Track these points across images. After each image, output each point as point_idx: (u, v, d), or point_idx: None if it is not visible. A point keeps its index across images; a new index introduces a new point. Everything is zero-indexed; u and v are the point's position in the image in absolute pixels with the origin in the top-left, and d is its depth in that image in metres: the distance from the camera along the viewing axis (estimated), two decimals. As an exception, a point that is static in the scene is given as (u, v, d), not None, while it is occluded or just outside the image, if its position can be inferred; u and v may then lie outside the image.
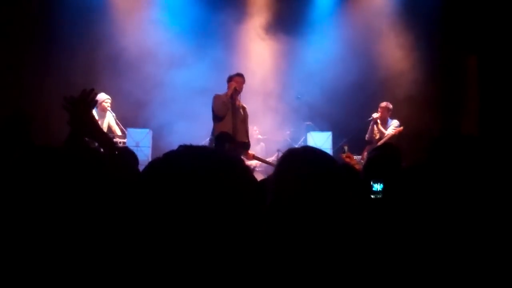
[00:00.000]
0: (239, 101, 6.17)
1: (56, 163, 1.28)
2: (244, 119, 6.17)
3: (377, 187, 1.97)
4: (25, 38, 7.63)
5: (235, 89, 6.02)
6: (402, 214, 1.99)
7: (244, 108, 6.23)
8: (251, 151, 6.58)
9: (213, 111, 6.07)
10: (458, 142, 2.13)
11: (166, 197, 1.01)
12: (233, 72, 6.33)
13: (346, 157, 4.61)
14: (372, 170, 2.22)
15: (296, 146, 7.93)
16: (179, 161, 1.07)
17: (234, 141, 5.77)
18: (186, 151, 1.10)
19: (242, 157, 5.91)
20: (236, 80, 6.06)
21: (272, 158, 7.77)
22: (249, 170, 1.15)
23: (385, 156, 2.91)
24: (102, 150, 2.09)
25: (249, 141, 6.19)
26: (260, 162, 7.76)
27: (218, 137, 5.85)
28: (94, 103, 2.05)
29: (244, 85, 6.16)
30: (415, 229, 1.88)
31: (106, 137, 2.07)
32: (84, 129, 1.96)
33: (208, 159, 1.08)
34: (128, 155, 3.38)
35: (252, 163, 7.57)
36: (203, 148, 1.13)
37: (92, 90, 2.02)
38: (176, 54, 8.11)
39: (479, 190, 1.96)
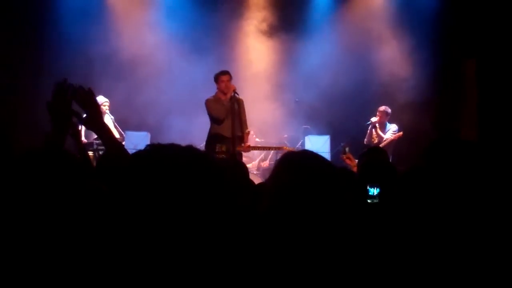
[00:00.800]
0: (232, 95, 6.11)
1: (40, 166, 1.29)
2: (239, 113, 6.11)
3: (374, 191, 1.97)
4: (23, 40, 7.63)
5: (234, 92, 6.00)
6: (399, 218, 1.98)
7: (238, 101, 6.13)
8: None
9: (210, 115, 6.06)
10: (454, 147, 2.12)
11: (144, 195, 1.01)
12: (232, 74, 6.29)
13: (347, 158, 4.61)
14: (367, 175, 2.22)
15: (294, 149, 7.93)
16: (148, 160, 1.07)
17: (225, 141, 5.79)
18: (153, 151, 1.11)
19: (238, 149, 5.94)
20: (222, 79, 6.04)
21: (266, 162, 7.77)
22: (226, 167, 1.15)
23: (375, 161, 2.91)
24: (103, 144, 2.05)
25: (243, 134, 6.12)
26: (259, 167, 7.77)
27: (210, 139, 5.89)
28: (70, 93, 1.94)
29: (243, 84, 6.12)
30: (412, 233, 1.88)
31: (109, 131, 2.02)
32: (87, 120, 1.92)
33: (173, 156, 1.08)
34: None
35: (249, 166, 7.58)
36: (170, 146, 1.13)
37: (65, 79, 1.95)
38: (175, 56, 8.11)
39: (476, 194, 1.95)
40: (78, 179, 1.39)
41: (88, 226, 1.39)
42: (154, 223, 1.00)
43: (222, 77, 6.07)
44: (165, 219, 1.01)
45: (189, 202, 1.02)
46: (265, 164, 7.84)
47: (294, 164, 1.59)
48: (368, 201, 1.95)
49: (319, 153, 1.70)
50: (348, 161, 4.54)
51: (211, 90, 6.33)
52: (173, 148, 1.11)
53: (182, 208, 1.01)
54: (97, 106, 1.94)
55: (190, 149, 1.11)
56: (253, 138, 8.01)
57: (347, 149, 4.98)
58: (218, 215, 1.07)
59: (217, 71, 6.31)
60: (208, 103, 6.07)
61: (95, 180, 1.88)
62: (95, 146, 6.74)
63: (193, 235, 1.02)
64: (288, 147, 7.09)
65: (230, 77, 6.10)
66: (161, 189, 1.02)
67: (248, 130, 6.36)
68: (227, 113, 5.96)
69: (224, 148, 5.73)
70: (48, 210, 1.26)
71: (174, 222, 1.01)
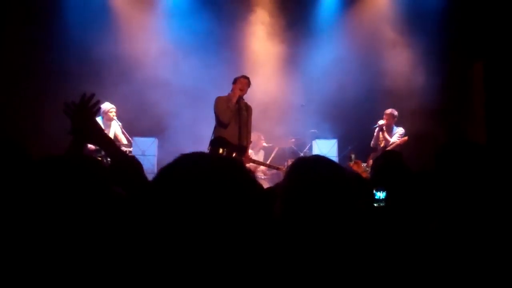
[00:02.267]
0: (243, 101, 6.07)
1: (58, 172, 1.30)
2: (247, 120, 6.06)
3: (380, 195, 1.96)
4: (32, 45, 7.69)
5: (239, 96, 5.97)
6: (409, 222, 1.98)
7: (248, 108, 6.10)
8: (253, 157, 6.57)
9: (216, 114, 5.96)
10: (465, 150, 2.11)
11: (173, 205, 1.01)
12: None
13: (354, 164, 4.63)
14: (380, 179, 2.21)
15: (302, 154, 7.93)
16: (183, 170, 1.07)
17: (229, 146, 5.74)
18: (188, 159, 1.11)
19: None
20: (241, 82, 5.96)
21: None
22: (252, 173, 1.15)
23: (391, 164, 2.91)
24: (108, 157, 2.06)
25: (247, 144, 6.10)
26: (267, 170, 7.77)
27: (213, 142, 5.83)
28: (96, 109, 1.99)
29: (248, 89, 6.10)
30: (422, 237, 1.88)
31: (112, 145, 2.01)
32: (87, 136, 1.93)
33: (210, 164, 1.08)
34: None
35: (259, 169, 7.59)
36: (204, 154, 1.13)
37: (93, 95, 1.96)
38: (182, 62, 8.14)
39: (487, 197, 1.94)
40: (103, 185, 1.41)
41: (110, 232, 1.40)
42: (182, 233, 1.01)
43: (242, 79, 5.99)
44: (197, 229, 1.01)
45: (225, 209, 1.03)
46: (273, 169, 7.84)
47: (306, 169, 1.60)
48: (375, 205, 1.95)
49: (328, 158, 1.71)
50: (355, 168, 4.54)
51: (217, 93, 6.29)
52: (208, 157, 1.11)
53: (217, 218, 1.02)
54: (91, 124, 1.93)
55: (226, 158, 1.12)
56: (261, 143, 8.02)
57: (353, 156, 4.99)
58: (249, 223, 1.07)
59: (223, 74, 6.31)
60: (218, 101, 5.95)
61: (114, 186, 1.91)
62: (103, 152, 6.78)
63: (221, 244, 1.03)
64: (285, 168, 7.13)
65: (249, 84, 6.06)
66: (199, 196, 1.02)
67: (251, 140, 6.33)
68: (232, 117, 5.90)
69: (226, 153, 5.68)
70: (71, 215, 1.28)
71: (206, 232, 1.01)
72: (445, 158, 2.12)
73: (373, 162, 3.33)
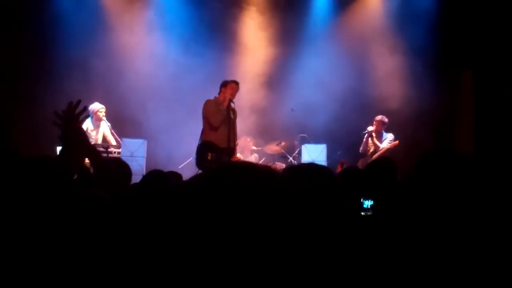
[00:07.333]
0: (231, 104, 6.14)
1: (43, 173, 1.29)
2: (234, 123, 6.14)
3: (368, 204, 1.96)
4: (21, 46, 7.62)
5: (230, 100, 6.02)
6: (392, 230, 1.98)
7: (234, 111, 6.19)
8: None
9: (205, 118, 6.00)
10: (445, 159, 2.12)
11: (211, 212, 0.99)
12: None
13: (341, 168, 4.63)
14: (364, 184, 2.22)
15: (291, 158, 7.94)
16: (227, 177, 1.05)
17: (216, 150, 5.76)
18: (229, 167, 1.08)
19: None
20: (232, 87, 6.05)
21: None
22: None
23: (379, 170, 2.91)
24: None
25: (235, 146, 6.15)
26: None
27: (201, 146, 5.84)
28: (84, 115, 1.96)
29: (237, 94, 6.18)
30: (402, 244, 1.88)
31: (95, 152, 1.99)
32: (74, 143, 1.89)
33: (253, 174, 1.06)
34: (120, 167, 3.33)
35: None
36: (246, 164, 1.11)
37: (79, 101, 1.93)
38: (172, 64, 8.11)
39: (466, 206, 1.95)
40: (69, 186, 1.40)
41: (85, 232, 1.39)
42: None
43: (233, 84, 6.08)
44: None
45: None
46: None
47: (301, 177, 1.61)
48: (362, 213, 1.95)
49: (316, 162, 1.71)
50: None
51: (208, 95, 6.29)
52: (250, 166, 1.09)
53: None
54: (78, 132, 1.90)
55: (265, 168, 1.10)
56: (250, 146, 8.02)
57: (344, 163, 5.01)
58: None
59: (213, 77, 6.34)
60: (207, 104, 6.00)
61: (96, 189, 1.89)
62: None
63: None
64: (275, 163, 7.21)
65: (238, 88, 6.14)
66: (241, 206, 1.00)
67: (237, 142, 6.38)
68: (222, 120, 5.94)
69: (215, 158, 5.69)
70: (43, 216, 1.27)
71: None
72: (424, 167, 2.13)
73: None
